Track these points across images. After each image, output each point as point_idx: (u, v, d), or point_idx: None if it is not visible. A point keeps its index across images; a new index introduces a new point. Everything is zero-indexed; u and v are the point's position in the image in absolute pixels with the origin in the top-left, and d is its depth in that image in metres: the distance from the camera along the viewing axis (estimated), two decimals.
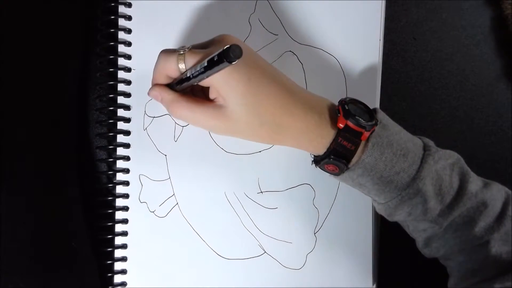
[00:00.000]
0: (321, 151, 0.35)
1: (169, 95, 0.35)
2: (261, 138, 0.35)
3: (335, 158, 0.35)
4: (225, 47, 0.27)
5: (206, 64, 0.29)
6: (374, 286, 0.45)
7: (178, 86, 0.34)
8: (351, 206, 0.44)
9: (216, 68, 0.29)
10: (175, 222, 0.41)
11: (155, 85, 0.36)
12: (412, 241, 0.41)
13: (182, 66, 0.33)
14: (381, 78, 0.45)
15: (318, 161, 0.36)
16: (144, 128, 0.40)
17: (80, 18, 0.41)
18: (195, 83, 0.33)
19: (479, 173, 0.38)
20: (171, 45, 0.40)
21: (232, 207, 0.42)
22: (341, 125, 0.34)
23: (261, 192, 0.42)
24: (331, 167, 0.36)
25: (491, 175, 0.39)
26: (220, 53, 0.27)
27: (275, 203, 0.42)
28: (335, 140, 0.34)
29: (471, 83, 0.48)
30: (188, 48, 0.33)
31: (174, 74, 0.34)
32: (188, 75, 0.32)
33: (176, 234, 0.41)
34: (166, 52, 0.34)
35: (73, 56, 0.41)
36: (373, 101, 0.44)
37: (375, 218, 0.45)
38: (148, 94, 0.36)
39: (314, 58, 0.43)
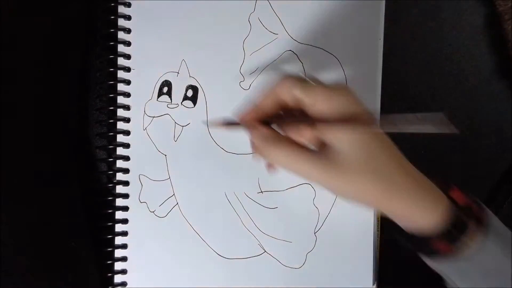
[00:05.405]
0: (433, 221, 0.30)
1: (267, 129, 0.29)
2: (366, 196, 0.31)
3: (459, 230, 0.29)
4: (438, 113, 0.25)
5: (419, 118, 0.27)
6: (374, 286, 0.45)
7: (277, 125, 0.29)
8: (352, 205, 0.44)
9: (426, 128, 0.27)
10: (175, 222, 0.41)
11: (251, 112, 0.30)
12: None
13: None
14: (381, 78, 0.45)
15: (424, 239, 0.30)
16: (144, 128, 0.40)
17: (80, 18, 0.41)
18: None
19: (479, 173, 0.38)
20: (170, 45, 0.40)
21: (232, 206, 0.42)
22: (458, 200, 0.30)
23: (261, 192, 0.42)
24: (442, 246, 0.30)
25: (491, 175, 0.39)
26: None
27: (275, 203, 0.42)
28: (453, 209, 0.30)
29: (471, 83, 0.48)
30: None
31: (295, 104, 0.28)
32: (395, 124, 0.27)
33: (176, 234, 0.41)
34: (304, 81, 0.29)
35: (73, 56, 0.41)
36: (373, 101, 0.44)
37: (375, 217, 0.44)
38: (239, 119, 0.30)
39: (314, 58, 0.43)
